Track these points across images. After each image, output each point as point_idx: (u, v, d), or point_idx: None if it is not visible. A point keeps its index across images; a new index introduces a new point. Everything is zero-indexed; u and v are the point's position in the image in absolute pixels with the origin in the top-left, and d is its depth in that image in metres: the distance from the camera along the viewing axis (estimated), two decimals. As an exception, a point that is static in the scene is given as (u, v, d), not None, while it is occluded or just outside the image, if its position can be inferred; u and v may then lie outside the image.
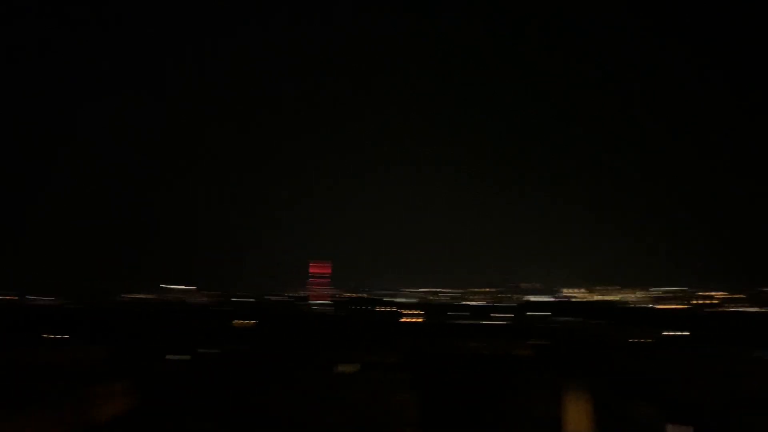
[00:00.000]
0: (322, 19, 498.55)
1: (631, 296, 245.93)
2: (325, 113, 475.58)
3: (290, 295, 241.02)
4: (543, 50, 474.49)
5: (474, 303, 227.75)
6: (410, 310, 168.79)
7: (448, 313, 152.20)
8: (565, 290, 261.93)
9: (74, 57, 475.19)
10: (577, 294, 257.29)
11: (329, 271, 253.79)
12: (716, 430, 36.50)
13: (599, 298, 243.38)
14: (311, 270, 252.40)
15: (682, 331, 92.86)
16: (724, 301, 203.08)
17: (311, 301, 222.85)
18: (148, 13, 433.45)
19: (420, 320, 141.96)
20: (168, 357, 58.06)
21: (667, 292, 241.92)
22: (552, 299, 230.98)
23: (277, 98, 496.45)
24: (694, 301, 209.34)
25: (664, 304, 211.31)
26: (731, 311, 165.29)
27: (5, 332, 77.95)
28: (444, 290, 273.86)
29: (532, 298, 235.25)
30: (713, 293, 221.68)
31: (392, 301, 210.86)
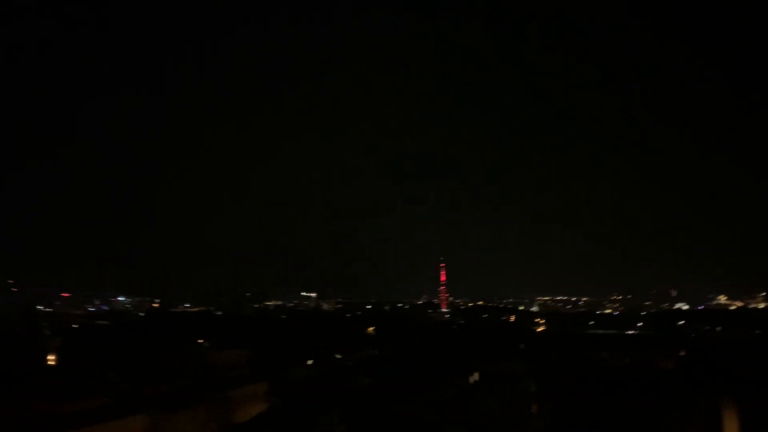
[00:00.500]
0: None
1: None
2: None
3: (411, 302, 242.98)
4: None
5: (610, 311, 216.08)
6: (540, 319, 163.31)
7: (586, 323, 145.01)
8: (718, 298, 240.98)
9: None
10: (723, 302, 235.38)
11: (443, 278, 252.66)
12: None
13: (748, 305, 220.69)
14: (442, 276, 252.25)
15: None
16: None
17: (443, 310, 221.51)
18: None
19: (546, 329, 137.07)
20: (307, 362, 60.71)
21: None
22: (701, 307, 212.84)
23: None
24: None
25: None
26: None
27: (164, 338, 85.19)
28: (582, 298, 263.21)
29: (679, 306, 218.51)
30: None
31: (523, 311, 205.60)
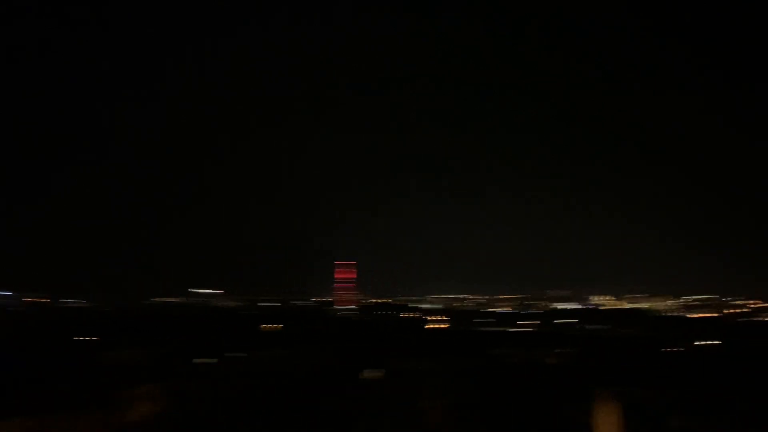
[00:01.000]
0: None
1: (662, 304, 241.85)
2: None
3: (316, 300, 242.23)
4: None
5: (500, 310, 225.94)
6: (435, 316, 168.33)
7: (474, 320, 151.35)
8: (593, 298, 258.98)
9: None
10: (606, 301, 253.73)
11: (354, 275, 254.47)
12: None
13: (629, 306, 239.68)
14: (337, 274, 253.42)
15: (713, 340, 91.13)
16: (757, 310, 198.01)
17: (337, 307, 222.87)
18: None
19: (445, 326, 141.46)
20: (196, 360, 59.06)
21: (697, 300, 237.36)
22: (580, 306, 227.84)
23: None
24: (726, 310, 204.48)
25: (696, 313, 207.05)
26: (766, 321, 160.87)
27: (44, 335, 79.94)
28: (470, 296, 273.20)
29: (560, 306, 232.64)
30: (746, 302, 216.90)
31: (417, 307, 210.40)
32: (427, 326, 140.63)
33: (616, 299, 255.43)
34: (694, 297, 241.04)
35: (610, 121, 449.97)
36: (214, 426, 38.90)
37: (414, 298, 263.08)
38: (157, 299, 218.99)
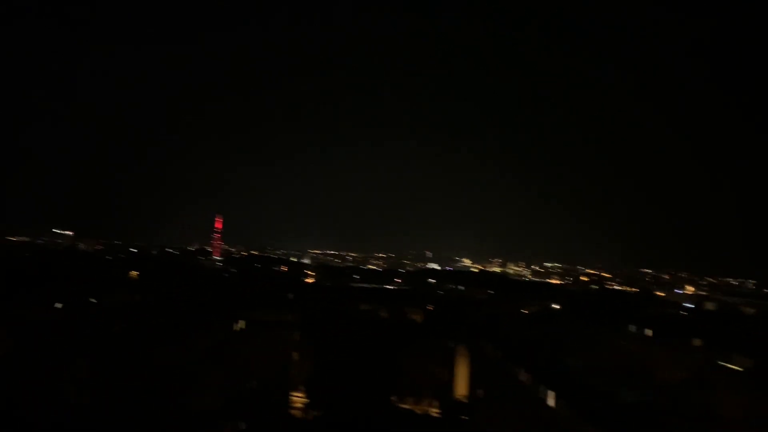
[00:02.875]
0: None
1: (512, 269, 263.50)
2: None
3: (188, 248, 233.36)
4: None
5: (375, 267, 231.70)
6: (312, 271, 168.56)
7: (351, 276, 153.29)
8: (464, 260, 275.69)
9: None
10: (471, 265, 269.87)
11: (220, 225, 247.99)
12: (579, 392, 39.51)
13: (494, 269, 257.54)
14: (217, 224, 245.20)
15: (564, 304, 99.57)
16: (604, 279, 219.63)
17: (215, 257, 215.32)
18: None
19: (315, 281, 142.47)
20: (56, 305, 54.81)
21: (553, 267, 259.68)
22: (449, 268, 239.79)
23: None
24: (583, 278, 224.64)
25: (551, 279, 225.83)
26: (611, 289, 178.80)
27: None
28: (350, 254, 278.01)
29: (432, 266, 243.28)
30: (596, 271, 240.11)
31: (295, 262, 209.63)
32: (305, 280, 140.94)
33: (474, 262, 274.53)
34: (549, 264, 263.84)
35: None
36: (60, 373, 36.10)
37: (293, 252, 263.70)
38: (15, 238, 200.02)
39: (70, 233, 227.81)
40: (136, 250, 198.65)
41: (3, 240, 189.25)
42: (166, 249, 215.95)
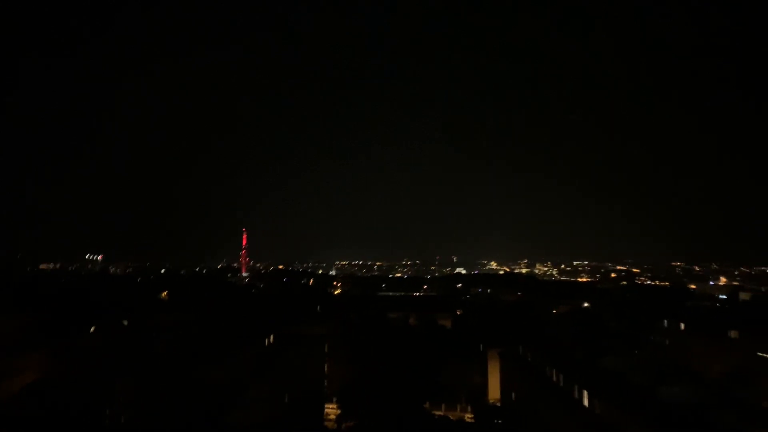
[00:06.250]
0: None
1: (539, 269, 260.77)
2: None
3: (216, 266, 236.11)
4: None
5: (401, 275, 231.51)
6: (339, 282, 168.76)
7: (378, 285, 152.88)
8: (490, 263, 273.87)
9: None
10: (498, 268, 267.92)
11: (245, 242, 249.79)
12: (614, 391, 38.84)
13: (521, 271, 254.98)
14: (245, 240, 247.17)
15: (594, 301, 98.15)
16: (634, 275, 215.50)
17: (243, 274, 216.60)
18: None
19: (342, 291, 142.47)
20: (93, 329, 55.60)
21: (581, 265, 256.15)
22: (476, 272, 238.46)
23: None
24: (612, 275, 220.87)
25: (580, 278, 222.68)
26: (642, 284, 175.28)
27: None
28: (376, 263, 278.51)
29: (459, 270, 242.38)
30: (625, 267, 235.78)
31: (322, 275, 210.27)
32: (333, 291, 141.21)
33: (499, 265, 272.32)
34: (578, 263, 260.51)
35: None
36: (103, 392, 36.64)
37: (320, 264, 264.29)
38: (46, 266, 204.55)
39: (100, 257, 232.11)
40: (164, 271, 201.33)
41: (37, 269, 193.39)
42: (195, 269, 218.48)
